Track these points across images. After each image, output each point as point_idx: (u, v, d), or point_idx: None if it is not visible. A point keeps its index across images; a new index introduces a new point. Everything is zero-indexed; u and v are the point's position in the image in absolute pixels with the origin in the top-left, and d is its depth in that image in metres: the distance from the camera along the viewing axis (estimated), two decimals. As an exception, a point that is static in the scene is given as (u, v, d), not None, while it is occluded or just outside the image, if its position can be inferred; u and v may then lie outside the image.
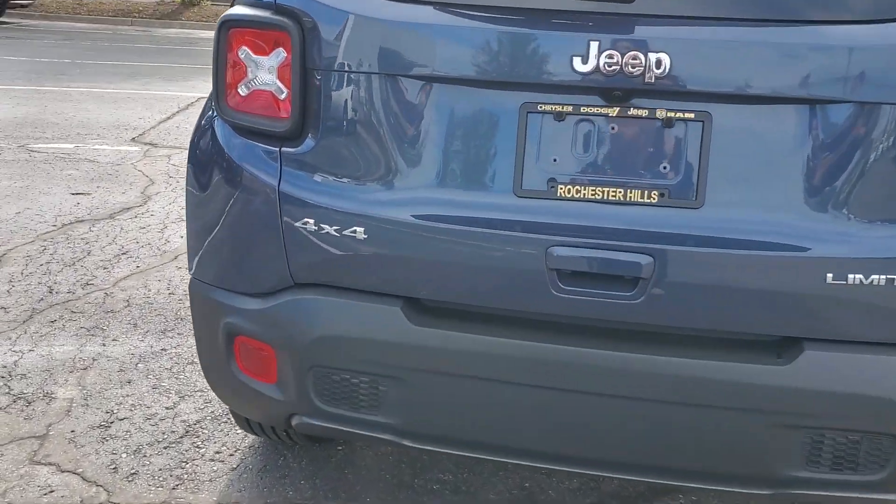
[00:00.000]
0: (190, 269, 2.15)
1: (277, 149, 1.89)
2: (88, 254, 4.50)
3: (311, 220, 1.83)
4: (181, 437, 2.80)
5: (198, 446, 2.76)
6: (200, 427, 2.87)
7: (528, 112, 1.72)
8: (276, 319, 1.91)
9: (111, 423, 2.88)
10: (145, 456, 2.70)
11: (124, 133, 7.64)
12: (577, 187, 1.72)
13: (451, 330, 1.77)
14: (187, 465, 2.66)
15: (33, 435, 2.79)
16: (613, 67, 1.65)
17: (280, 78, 1.89)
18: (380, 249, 1.80)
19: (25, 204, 5.32)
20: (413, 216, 1.77)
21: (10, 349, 3.38)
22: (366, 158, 1.82)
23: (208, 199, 2.03)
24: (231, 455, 2.72)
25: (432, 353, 1.78)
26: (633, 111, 1.70)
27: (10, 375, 3.17)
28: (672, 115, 1.68)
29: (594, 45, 1.66)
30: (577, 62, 1.67)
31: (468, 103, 1.76)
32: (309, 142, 1.86)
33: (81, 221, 5.06)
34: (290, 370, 1.91)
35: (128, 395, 3.06)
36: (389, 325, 1.80)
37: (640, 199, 1.70)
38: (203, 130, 2.09)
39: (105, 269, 4.30)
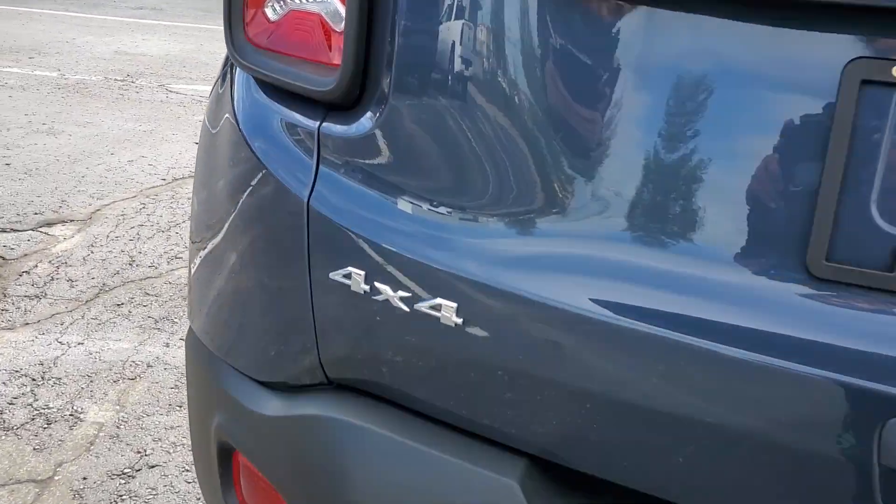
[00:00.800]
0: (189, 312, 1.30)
1: (315, 125, 0.97)
2: (189, 218, 3.83)
3: (360, 273, 0.91)
4: (218, 510, 2.01)
5: (237, 528, 1.95)
6: (248, 495, 2.06)
7: (865, 82, 0.71)
8: (291, 442, 1.02)
9: (137, 471, 2.12)
10: (162, 536, 1.92)
11: (272, 78, 7.03)
12: (973, 274, 0.70)
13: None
14: (214, 562, 1.85)
15: (34, 478, 2.08)
16: None
17: (337, -10, 0.97)
18: (490, 355, 0.86)
19: (142, 151, 4.75)
20: (578, 302, 0.80)
21: (56, 339, 2.72)
22: (477, 164, 0.86)
23: (209, 199, 1.15)
24: (277, 553, 1.89)
25: None
26: None
27: (43, 378, 2.50)
28: None
29: None
30: None
31: (721, 58, 0.76)
32: (366, 120, 0.93)
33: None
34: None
35: (171, 428, 2.30)
36: (494, 515, 0.87)
37: None
38: (217, 87, 1.21)
39: (202, 239, 3.60)
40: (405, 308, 0.89)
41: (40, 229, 3.58)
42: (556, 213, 0.82)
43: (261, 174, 1.01)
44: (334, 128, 0.95)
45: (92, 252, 3.38)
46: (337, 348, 0.97)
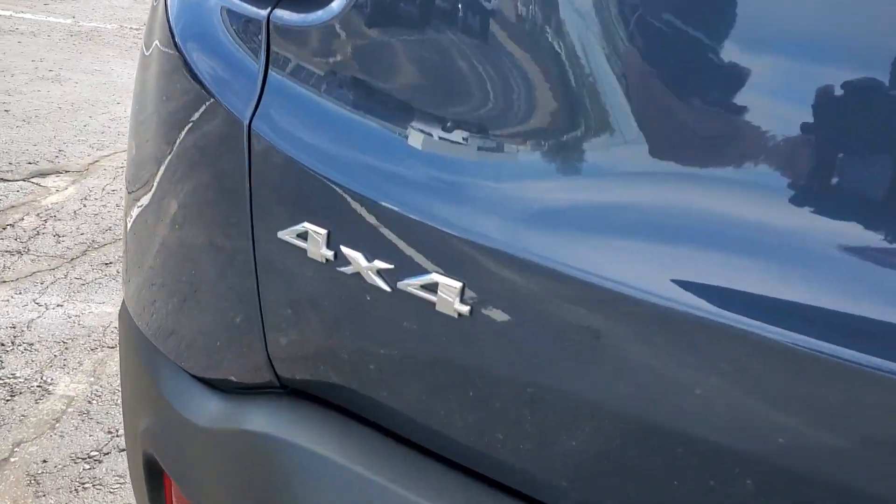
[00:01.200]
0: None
1: (264, 14, 0.66)
2: (193, 172, 3.55)
3: (320, 232, 0.61)
4: (193, 505, 1.74)
5: (213, 528, 1.69)
6: (229, 488, 1.79)
7: None
8: (225, 466, 0.73)
9: (105, 454, 1.86)
10: (125, 535, 1.66)
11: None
12: None
13: None
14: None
15: (-13, 459, 1.82)
16: None
17: None
18: (510, 362, 0.55)
19: (150, 101, 4.46)
20: (655, 285, 0.49)
21: (33, 300, 2.46)
22: (501, 64, 0.55)
23: (140, 133, 0.86)
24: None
25: None
26: None
27: (13, 343, 2.24)
28: None
29: None
30: None
31: None
32: (336, 4, 0.62)
33: (203, 129, 4.13)
34: None
35: (149, 406, 2.03)
36: None
37: None
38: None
39: (205, 195, 3.32)
40: (385, 287, 0.59)
41: (32, 180, 3.31)
42: (623, 140, 0.50)
43: (194, 89, 0.71)
44: (290, 17, 0.64)
45: (84, 206, 3.11)
46: (289, 340, 0.67)
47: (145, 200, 0.83)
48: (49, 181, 3.32)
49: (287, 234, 0.63)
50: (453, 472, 0.61)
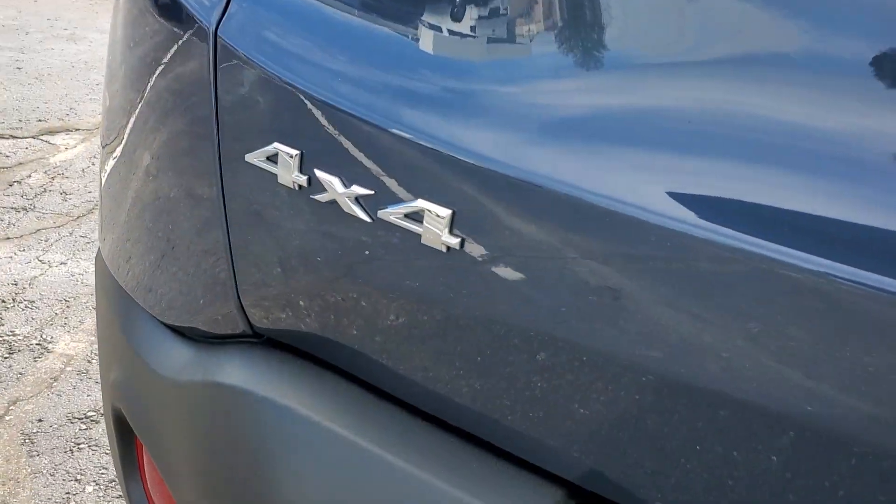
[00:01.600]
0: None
1: None
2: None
3: (291, 153, 0.53)
4: (190, 469, 1.68)
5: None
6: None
7: None
8: (191, 421, 0.65)
9: (102, 415, 1.80)
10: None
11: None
12: None
13: None
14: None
15: (-19, 417, 1.77)
16: None
17: None
18: (509, 303, 0.47)
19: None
20: (675, 211, 0.40)
21: (36, 257, 2.40)
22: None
23: (113, 72, 0.77)
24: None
25: None
26: None
27: (14, 300, 2.18)
28: None
29: None
30: None
31: None
32: None
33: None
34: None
35: (150, 366, 1.97)
36: None
37: None
38: None
39: (216, 155, 3.25)
40: (364, 217, 0.50)
41: (41, 137, 3.25)
42: (634, 33, 0.41)
43: (162, 28, 0.62)
44: None
45: (93, 164, 3.05)
46: (260, 282, 0.59)
47: (118, 151, 0.76)
48: (58, 139, 3.26)
49: (255, 157, 0.55)
50: (440, 432, 0.53)
